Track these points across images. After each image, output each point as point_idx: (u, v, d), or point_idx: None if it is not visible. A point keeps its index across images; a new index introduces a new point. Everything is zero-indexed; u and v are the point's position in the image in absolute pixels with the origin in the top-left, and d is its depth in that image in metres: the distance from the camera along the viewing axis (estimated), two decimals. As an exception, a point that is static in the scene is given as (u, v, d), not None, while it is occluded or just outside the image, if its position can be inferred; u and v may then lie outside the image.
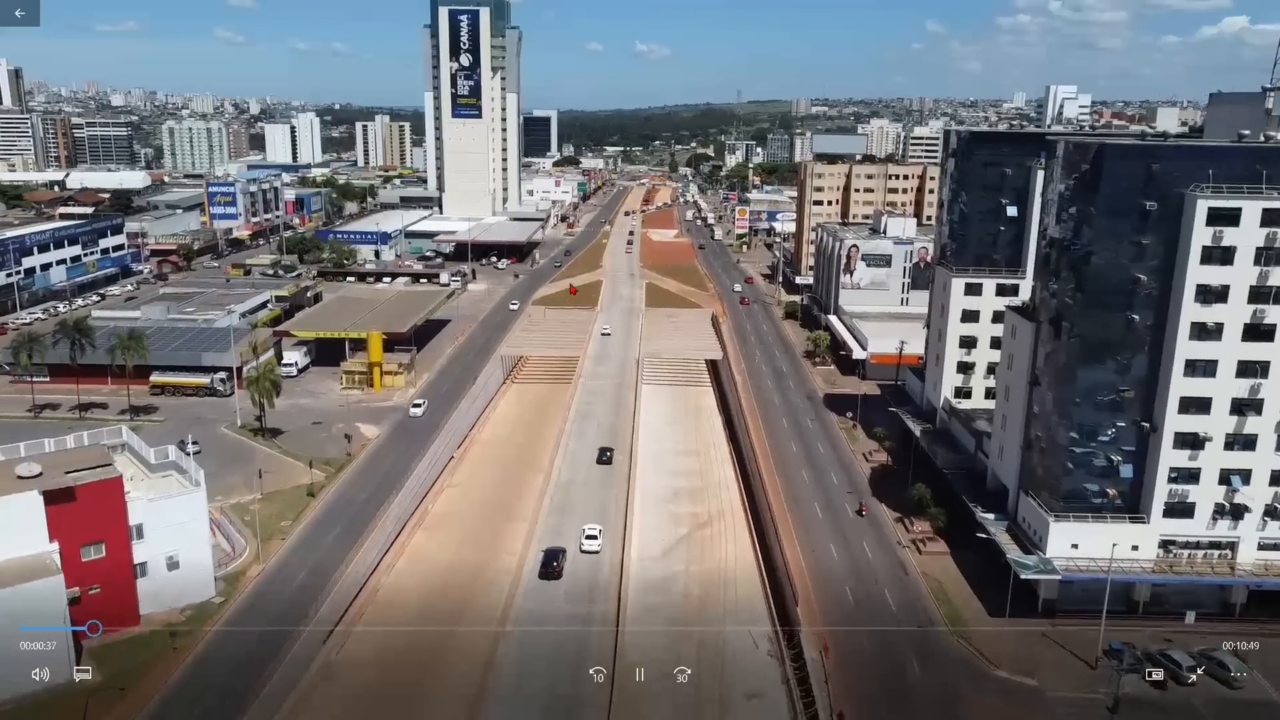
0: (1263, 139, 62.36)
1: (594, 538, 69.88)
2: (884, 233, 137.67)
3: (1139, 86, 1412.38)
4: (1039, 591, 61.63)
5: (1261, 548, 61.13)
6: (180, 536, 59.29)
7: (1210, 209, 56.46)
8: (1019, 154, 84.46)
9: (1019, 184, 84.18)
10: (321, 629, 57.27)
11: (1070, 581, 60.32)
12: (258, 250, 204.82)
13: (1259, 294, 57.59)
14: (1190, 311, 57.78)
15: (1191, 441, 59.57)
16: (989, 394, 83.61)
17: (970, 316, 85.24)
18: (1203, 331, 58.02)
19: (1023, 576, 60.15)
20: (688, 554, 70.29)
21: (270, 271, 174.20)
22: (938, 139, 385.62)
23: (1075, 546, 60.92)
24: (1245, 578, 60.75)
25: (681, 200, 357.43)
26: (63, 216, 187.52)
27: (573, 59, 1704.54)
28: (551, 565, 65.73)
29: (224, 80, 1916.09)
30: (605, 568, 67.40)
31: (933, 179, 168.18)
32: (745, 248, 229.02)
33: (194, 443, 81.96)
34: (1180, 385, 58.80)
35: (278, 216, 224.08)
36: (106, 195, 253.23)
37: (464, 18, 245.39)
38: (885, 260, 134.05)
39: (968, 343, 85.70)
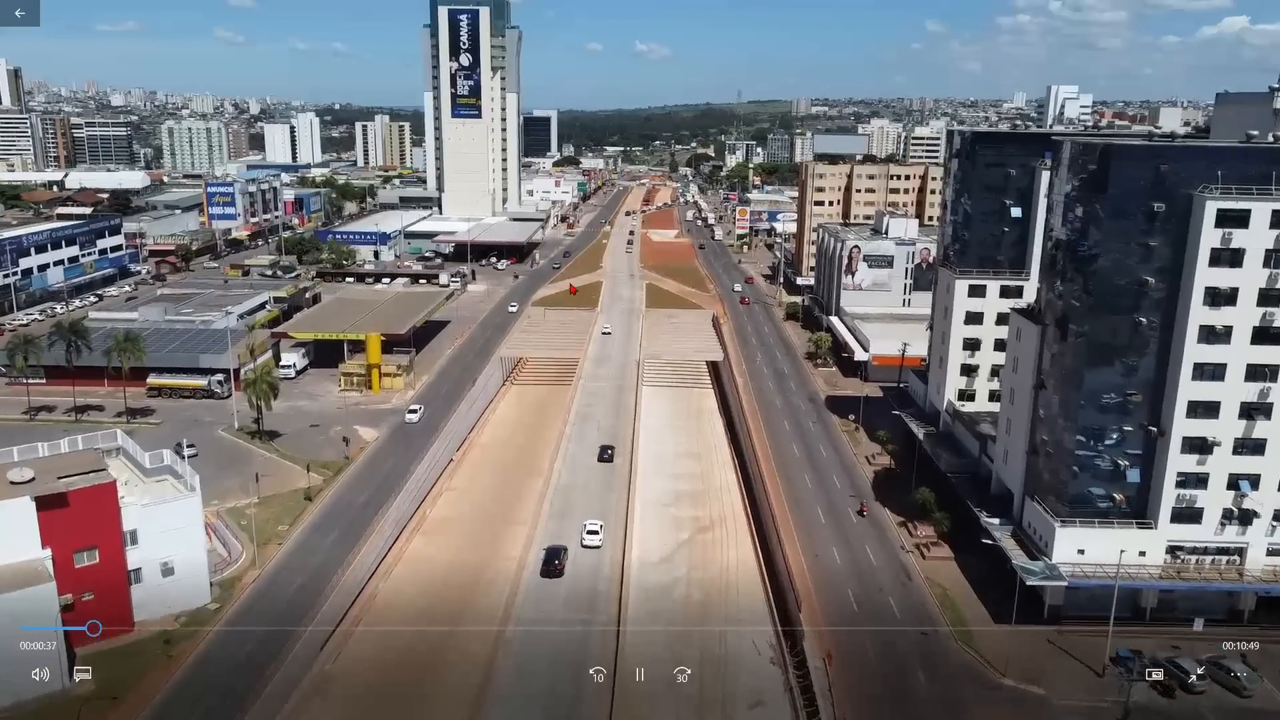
0: (1271, 139, 61.52)
1: (595, 533, 70.60)
2: (886, 233, 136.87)
3: (1139, 86, 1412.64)
4: (1045, 597, 60.88)
5: (1270, 553, 60.23)
6: (175, 542, 58.53)
7: (1219, 210, 55.67)
8: (1023, 154, 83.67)
9: (1023, 185, 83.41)
10: (319, 635, 56.61)
11: (1077, 588, 59.51)
12: (256, 251, 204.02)
13: (1268, 297, 56.73)
14: (1199, 314, 56.99)
15: (1200, 446, 58.74)
16: (993, 397, 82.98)
17: (974, 318, 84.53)
18: (1211, 334, 57.20)
19: (1029, 583, 59.36)
20: (689, 559, 69.53)
21: (269, 272, 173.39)
22: (938, 139, 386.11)
23: (1081, 552, 60.13)
24: (1254, 584, 59.97)
25: (682, 200, 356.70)
26: (61, 217, 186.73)
27: (573, 59, 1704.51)
28: (553, 563, 65.89)
29: (224, 80, 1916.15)
30: (606, 567, 67.05)
31: (934, 179, 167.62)
32: (746, 248, 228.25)
33: (190, 445, 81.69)
34: (1188, 389, 58.01)
35: (277, 217, 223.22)
36: (105, 195, 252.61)
37: (464, 17, 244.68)
38: (887, 261, 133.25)
39: (971, 345, 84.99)
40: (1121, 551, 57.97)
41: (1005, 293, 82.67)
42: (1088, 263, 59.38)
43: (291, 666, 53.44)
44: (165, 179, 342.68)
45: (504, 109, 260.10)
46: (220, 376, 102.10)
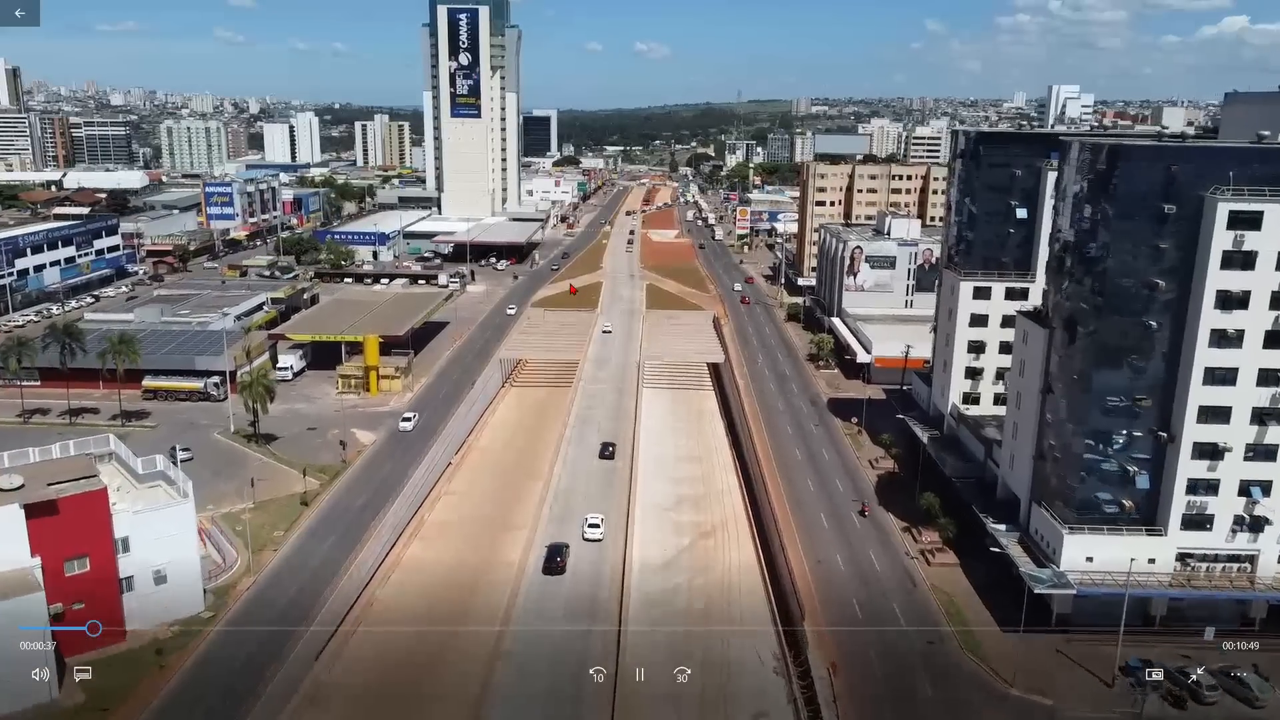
0: (1283, 139, 60.51)
1: (596, 526, 71.40)
2: (888, 234, 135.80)
3: (1139, 86, 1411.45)
4: (1053, 605, 59.82)
5: (1282, 561, 59.34)
6: (168, 549, 57.46)
7: (1231, 212, 54.64)
8: (1028, 155, 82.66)
9: (1028, 185, 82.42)
10: (314, 642, 55.72)
11: (1085, 596, 58.49)
12: (255, 251, 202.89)
13: (1281, 300, 55.81)
14: (1210, 318, 55.97)
15: (1210, 451, 57.76)
16: (998, 400, 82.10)
17: (979, 321, 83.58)
18: (1223, 338, 56.19)
19: (1036, 591, 58.36)
20: (691, 565, 68.55)
21: (267, 273, 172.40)
22: (939, 139, 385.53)
23: (1090, 559, 59.15)
24: (1265, 592, 58.93)
25: (682, 200, 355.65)
26: (58, 217, 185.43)
27: (572, 58, 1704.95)
28: (555, 560, 66.00)
29: (224, 80, 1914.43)
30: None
31: (936, 179, 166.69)
32: (746, 248, 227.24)
33: (184, 449, 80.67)
34: (1199, 394, 56.98)
35: (275, 217, 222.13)
36: (103, 195, 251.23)
37: (463, 16, 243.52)
38: (889, 262, 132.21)
39: (976, 347, 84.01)
40: (1132, 560, 56.96)
41: (1010, 295, 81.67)
42: (1096, 265, 58.40)
43: (287, 674, 52.62)
44: (164, 179, 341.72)
45: (503, 108, 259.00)
46: (217, 379, 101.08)
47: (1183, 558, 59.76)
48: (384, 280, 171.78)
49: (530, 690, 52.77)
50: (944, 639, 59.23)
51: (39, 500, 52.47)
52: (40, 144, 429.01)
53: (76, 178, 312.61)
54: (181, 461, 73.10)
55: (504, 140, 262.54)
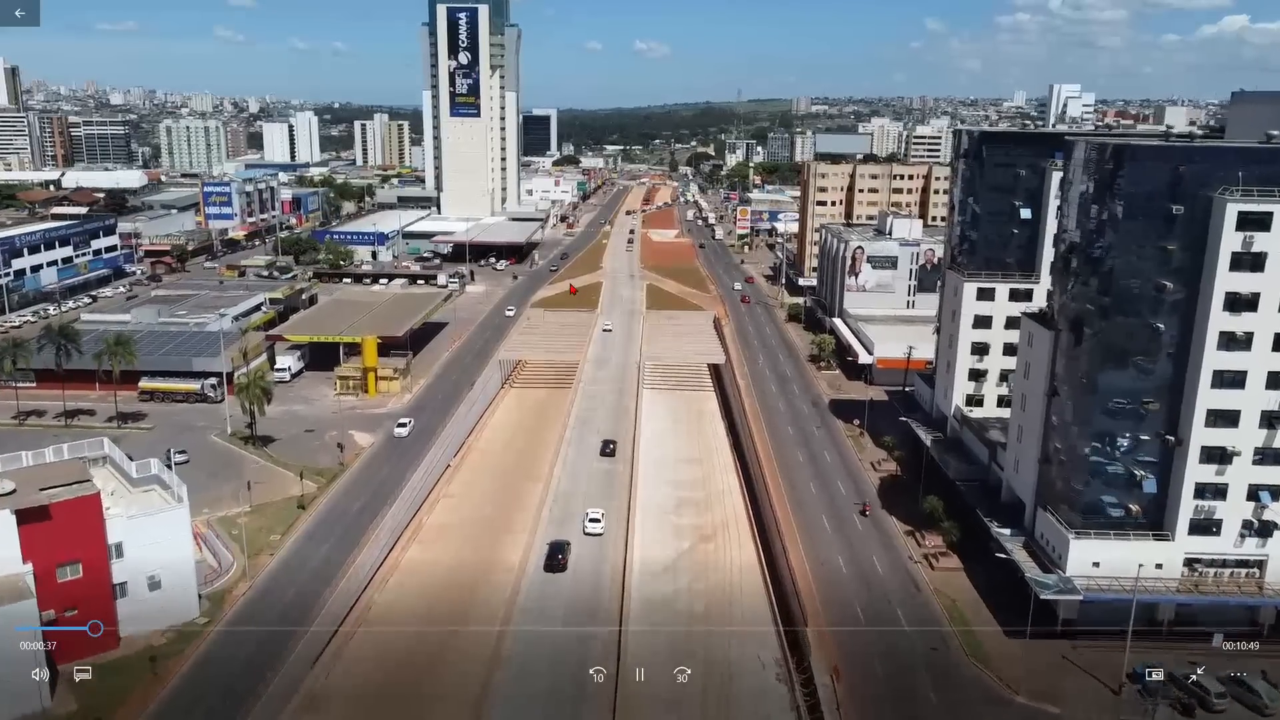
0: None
1: (597, 520, 72.13)
2: (889, 234, 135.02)
3: (1139, 85, 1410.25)
4: (1058, 611, 59.07)
5: (1291, 566, 58.59)
6: (162, 554, 56.65)
7: (1240, 213, 53.94)
8: (1033, 155, 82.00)
9: (1033, 185, 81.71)
10: (311, 648, 54.99)
11: (1092, 602, 57.71)
12: (253, 251, 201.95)
13: (1291, 302, 55.04)
14: (1218, 320, 55.27)
15: (1219, 455, 57.06)
16: (1001, 402, 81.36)
17: (982, 322, 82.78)
18: (1231, 341, 55.47)
19: (1043, 597, 57.56)
20: (691, 569, 67.75)
21: (265, 273, 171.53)
22: (940, 138, 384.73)
23: (1096, 565, 58.39)
24: (1274, 598, 58.18)
25: (682, 200, 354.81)
26: (56, 217, 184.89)
27: (572, 57, 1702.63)
28: (556, 558, 66.14)
29: (224, 79, 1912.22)
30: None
31: (938, 179, 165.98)
32: (747, 248, 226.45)
33: (180, 452, 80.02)
34: (1207, 397, 56.27)
35: (274, 216, 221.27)
36: (101, 195, 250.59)
37: (462, 15, 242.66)
38: (891, 262, 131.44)
39: (980, 349, 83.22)
40: (1140, 566, 56.19)
41: (1014, 296, 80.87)
42: (1103, 266, 57.68)
43: (283, 680, 51.92)
44: (163, 178, 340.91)
45: (503, 108, 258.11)
46: (214, 380, 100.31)
47: (1190, 563, 59.07)
48: (383, 280, 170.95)
49: (531, 690, 52.34)
50: (948, 645, 58.52)
51: (30, 505, 51.69)
52: (39, 143, 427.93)
53: (75, 177, 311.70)
54: (177, 464, 72.33)
55: (503, 139, 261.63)
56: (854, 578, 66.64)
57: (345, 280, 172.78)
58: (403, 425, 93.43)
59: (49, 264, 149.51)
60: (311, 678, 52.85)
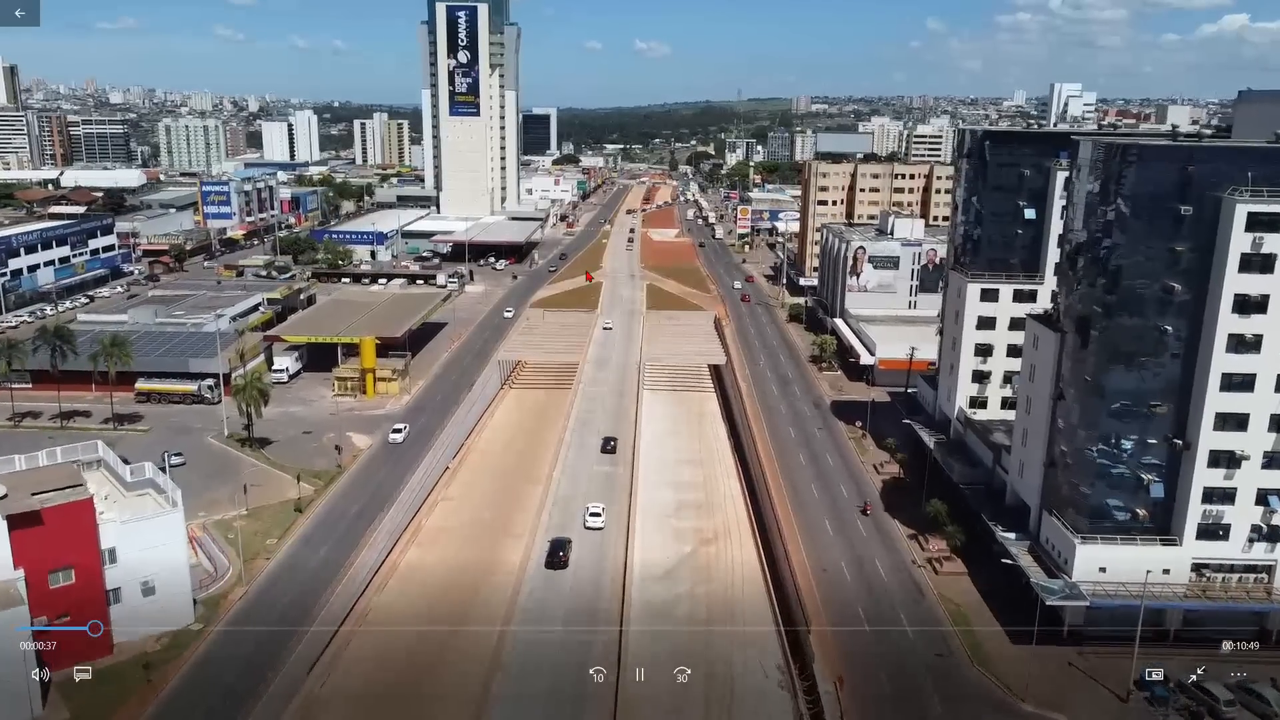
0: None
1: (598, 515, 72.73)
2: (891, 234, 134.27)
3: (1139, 84, 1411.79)
4: (1064, 617, 58.32)
5: (1300, 571, 57.83)
6: (156, 560, 55.90)
7: (1250, 214, 53.17)
8: (1037, 154, 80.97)
9: (1037, 185, 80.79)
10: (308, 654, 54.33)
11: (1098, 608, 56.95)
12: (252, 250, 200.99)
13: (1301, 304, 54.26)
14: (1227, 322, 54.50)
15: (1227, 459, 56.30)
16: (1005, 404, 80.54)
17: (986, 323, 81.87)
18: (1240, 344, 54.70)
19: (1049, 602, 56.76)
20: (693, 574, 67.01)
21: (264, 273, 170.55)
22: (941, 137, 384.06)
23: (1103, 570, 57.62)
24: (1283, 604, 57.48)
25: (682, 199, 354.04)
26: (53, 216, 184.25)
27: (572, 56, 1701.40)
28: (558, 555, 66.38)
29: (224, 78, 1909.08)
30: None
31: (939, 179, 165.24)
32: (747, 248, 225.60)
33: (176, 454, 79.21)
34: (1216, 400, 55.52)
35: (273, 216, 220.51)
36: (100, 194, 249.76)
37: (462, 14, 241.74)
38: (893, 262, 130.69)
39: (983, 351, 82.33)
40: (1148, 572, 55.47)
41: (1019, 297, 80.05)
42: (1109, 267, 56.83)
43: (280, 684, 51.41)
44: (162, 177, 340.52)
45: (503, 107, 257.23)
46: (211, 381, 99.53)
47: (1198, 568, 58.29)
48: (382, 280, 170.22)
49: (531, 691, 51.89)
50: (953, 651, 57.79)
51: (22, 511, 50.93)
52: (38, 142, 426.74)
53: (73, 176, 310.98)
54: (173, 467, 71.62)
55: (503, 138, 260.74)
56: (858, 583, 65.88)
57: (344, 280, 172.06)
58: (399, 430, 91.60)
59: (46, 264, 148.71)
60: (310, 680, 52.19)
